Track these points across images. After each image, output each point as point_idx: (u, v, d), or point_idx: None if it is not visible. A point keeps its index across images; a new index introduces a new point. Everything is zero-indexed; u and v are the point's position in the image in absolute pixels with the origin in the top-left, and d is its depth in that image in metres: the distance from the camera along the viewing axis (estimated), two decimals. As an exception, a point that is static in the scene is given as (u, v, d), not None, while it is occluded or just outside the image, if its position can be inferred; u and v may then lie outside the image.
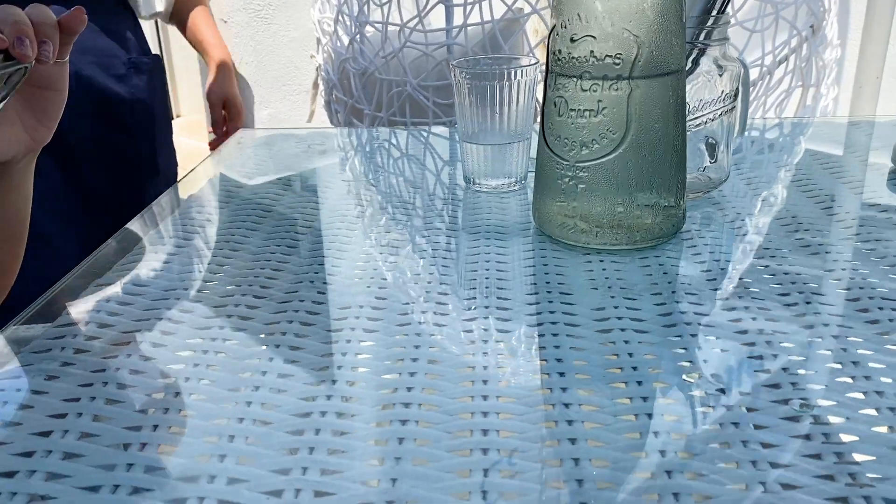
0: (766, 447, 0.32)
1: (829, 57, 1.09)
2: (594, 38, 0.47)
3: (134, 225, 0.60)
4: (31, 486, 0.32)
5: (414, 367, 0.39)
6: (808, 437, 0.33)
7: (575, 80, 0.48)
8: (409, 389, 0.37)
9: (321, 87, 1.34)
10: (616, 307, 0.44)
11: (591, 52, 0.47)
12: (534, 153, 0.66)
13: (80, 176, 0.88)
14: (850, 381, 0.37)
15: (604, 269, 0.49)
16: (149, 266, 0.51)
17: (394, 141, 0.82)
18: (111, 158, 0.91)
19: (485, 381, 0.38)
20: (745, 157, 0.70)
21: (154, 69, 0.97)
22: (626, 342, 0.40)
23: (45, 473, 0.32)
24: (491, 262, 0.51)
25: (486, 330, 0.42)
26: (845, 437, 0.33)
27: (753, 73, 0.99)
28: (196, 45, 1.15)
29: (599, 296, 0.45)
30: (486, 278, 0.48)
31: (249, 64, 1.62)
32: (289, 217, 0.60)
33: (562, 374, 0.38)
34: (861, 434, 0.33)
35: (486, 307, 0.45)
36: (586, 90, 0.48)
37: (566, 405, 0.35)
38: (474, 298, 0.46)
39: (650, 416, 0.35)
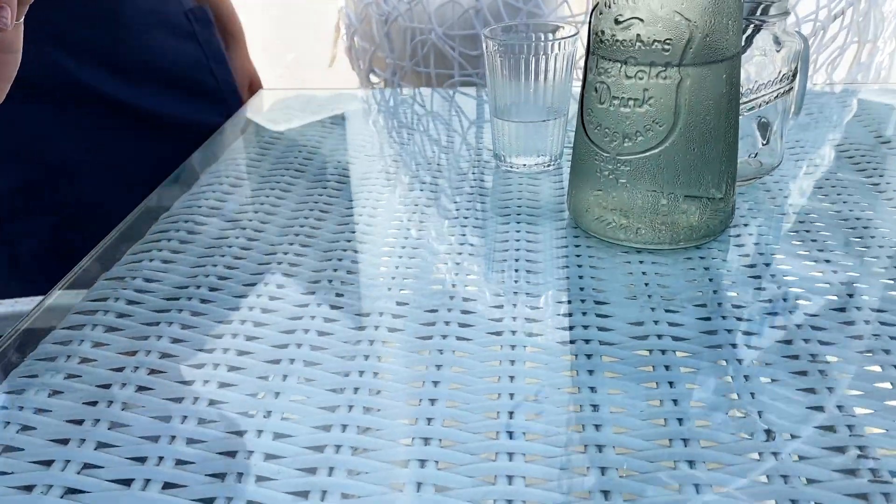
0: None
1: (889, 9, 1.01)
2: (641, 20, 0.42)
3: (168, 187, 0.58)
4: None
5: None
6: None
7: (619, 65, 0.43)
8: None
9: (343, 31, 1.28)
10: (656, 322, 0.41)
11: (638, 35, 0.42)
12: (570, 129, 0.62)
13: (156, 149, 0.78)
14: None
15: (644, 273, 0.45)
16: (180, 237, 0.49)
17: (419, 100, 0.78)
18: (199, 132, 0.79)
19: (512, 408, 0.35)
20: (800, 134, 0.65)
21: (210, 19, 0.86)
22: (667, 367, 0.37)
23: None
24: (521, 260, 0.47)
25: (513, 348, 0.39)
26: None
27: (806, 29, 0.93)
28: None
29: (638, 307, 0.42)
30: (516, 281, 0.45)
31: (274, 5, 1.56)
32: (313, 192, 0.57)
33: (595, 407, 0.35)
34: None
35: (514, 318, 0.42)
36: (631, 77, 0.43)
37: (599, 448, 0.33)
38: (501, 307, 0.43)
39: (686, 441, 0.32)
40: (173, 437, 0.34)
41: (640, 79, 0.43)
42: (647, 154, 0.44)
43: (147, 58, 0.78)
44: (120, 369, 0.39)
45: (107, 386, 0.38)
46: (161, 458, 0.33)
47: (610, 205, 0.47)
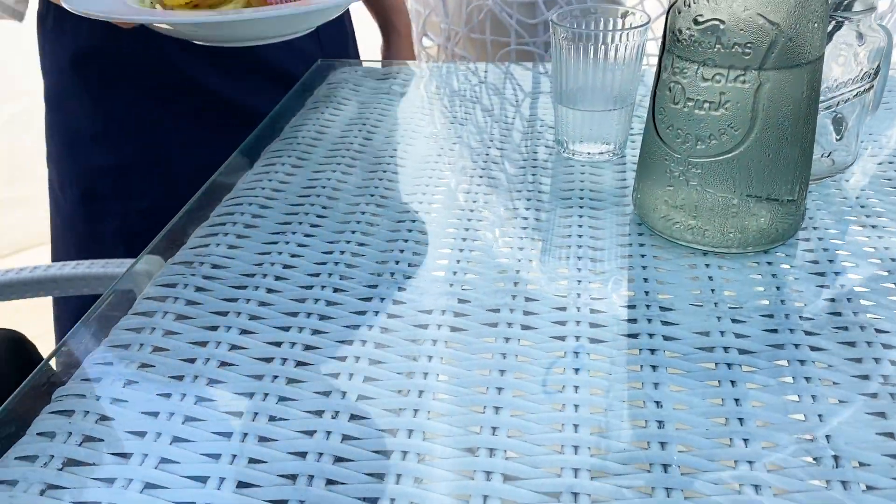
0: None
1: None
2: (722, 22, 0.41)
3: (231, 166, 0.59)
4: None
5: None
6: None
7: (696, 66, 0.42)
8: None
9: (399, -9, 1.26)
10: (722, 333, 0.40)
11: (718, 38, 0.41)
12: (636, 117, 0.60)
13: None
14: None
15: (710, 279, 0.44)
16: (245, 221, 0.50)
17: (478, 76, 0.77)
18: None
19: (577, 421, 0.35)
20: (875, 128, 0.63)
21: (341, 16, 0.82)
22: (733, 383, 0.37)
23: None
24: (584, 258, 0.47)
25: (577, 355, 0.39)
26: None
27: (883, 4, 0.89)
28: (376, 6, 0.97)
29: (704, 316, 0.42)
30: (579, 282, 0.45)
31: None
32: (373, 176, 0.57)
33: (660, 424, 0.35)
34: None
35: (578, 322, 0.41)
36: (708, 80, 0.42)
37: (665, 468, 0.33)
38: (564, 309, 0.43)
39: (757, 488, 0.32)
40: (245, 435, 0.35)
41: (718, 82, 0.42)
42: (720, 158, 0.43)
43: (262, 55, 0.78)
44: (192, 360, 0.40)
45: (179, 378, 0.39)
46: (234, 457, 0.34)
47: (678, 205, 0.46)
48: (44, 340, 0.87)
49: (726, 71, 0.41)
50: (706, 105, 0.43)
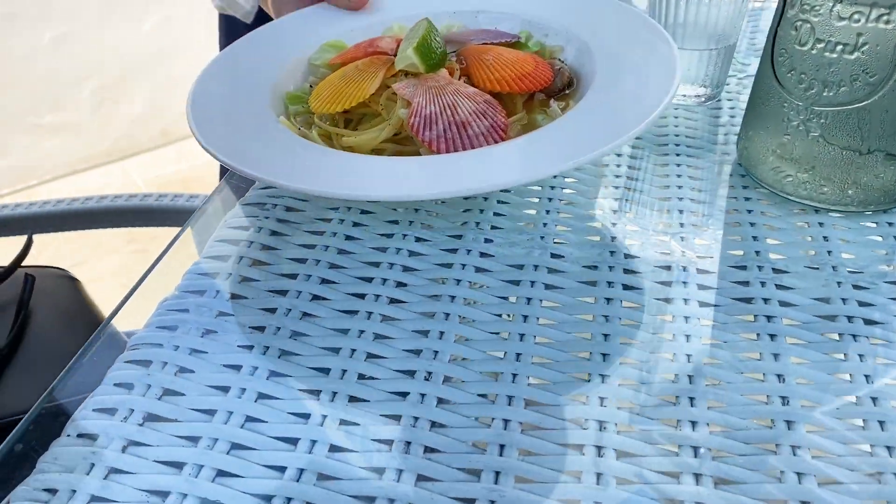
0: None
1: None
2: (870, -48, 0.36)
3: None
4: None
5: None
6: None
7: (831, 3, 0.38)
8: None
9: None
10: (844, 300, 0.37)
11: (862, -30, 0.36)
12: (736, 59, 0.56)
13: None
14: None
15: (825, 239, 0.41)
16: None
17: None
18: None
19: (692, 394, 0.32)
20: None
21: None
22: (861, 357, 0.34)
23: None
24: (685, 212, 0.43)
25: (687, 320, 0.36)
26: None
27: None
28: None
29: (822, 280, 0.38)
30: (682, 238, 0.41)
31: None
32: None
33: (784, 400, 0.32)
34: None
35: (685, 283, 0.38)
36: (845, 18, 0.38)
37: (794, 450, 0.30)
38: (669, 268, 0.39)
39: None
40: (334, 394, 0.33)
41: (856, 21, 0.37)
42: (849, 108, 0.39)
43: None
44: (272, 310, 0.37)
45: (260, 329, 0.36)
46: (324, 417, 0.32)
47: (793, 157, 0.42)
48: (81, 269, 0.87)
49: (867, 9, 0.37)
50: (839, 47, 0.38)
